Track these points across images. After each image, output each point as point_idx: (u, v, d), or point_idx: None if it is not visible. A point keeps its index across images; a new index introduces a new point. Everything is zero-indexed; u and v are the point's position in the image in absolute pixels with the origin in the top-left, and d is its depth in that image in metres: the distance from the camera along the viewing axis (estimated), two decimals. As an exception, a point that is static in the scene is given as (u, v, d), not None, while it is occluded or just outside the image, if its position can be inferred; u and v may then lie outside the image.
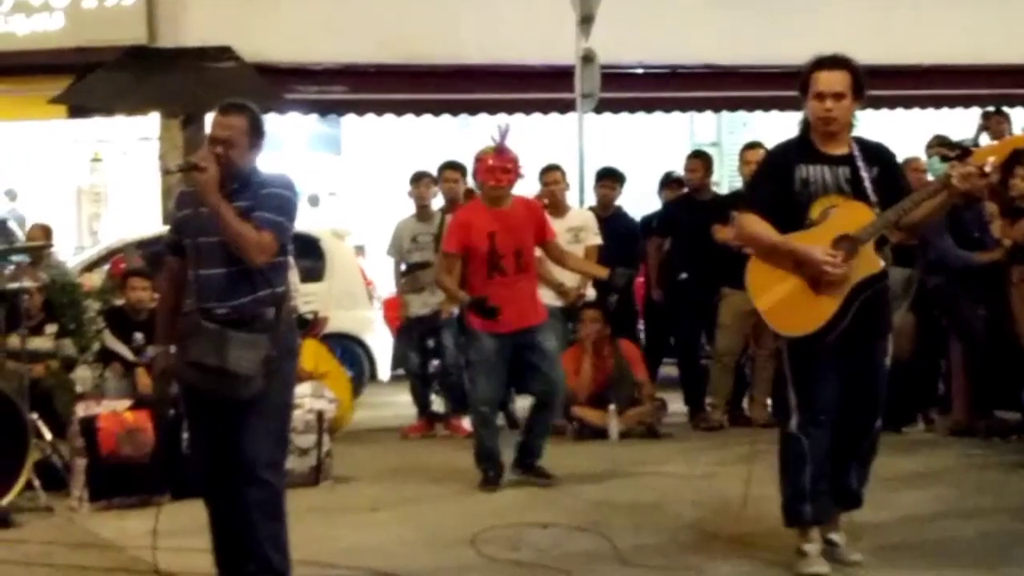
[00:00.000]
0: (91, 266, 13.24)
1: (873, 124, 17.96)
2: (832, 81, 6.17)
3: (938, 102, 17.57)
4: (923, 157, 11.18)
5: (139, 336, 10.02)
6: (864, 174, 6.13)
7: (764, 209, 6.14)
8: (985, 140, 12.34)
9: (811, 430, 6.10)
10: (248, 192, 5.66)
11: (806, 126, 6.31)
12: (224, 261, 5.61)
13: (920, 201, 6.11)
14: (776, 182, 6.19)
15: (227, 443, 5.68)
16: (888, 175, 6.25)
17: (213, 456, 5.75)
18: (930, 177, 10.79)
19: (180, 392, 6.04)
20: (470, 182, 11.70)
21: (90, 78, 15.46)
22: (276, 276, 5.71)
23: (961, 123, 15.27)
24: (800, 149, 6.26)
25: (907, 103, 17.69)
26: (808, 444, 6.10)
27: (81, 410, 8.50)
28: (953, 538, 6.73)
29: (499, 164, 8.60)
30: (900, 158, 11.21)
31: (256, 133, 5.72)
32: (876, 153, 6.30)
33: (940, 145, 10.34)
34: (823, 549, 6.25)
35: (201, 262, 5.69)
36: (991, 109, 13.16)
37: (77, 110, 15.87)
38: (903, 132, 14.25)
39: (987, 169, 6.06)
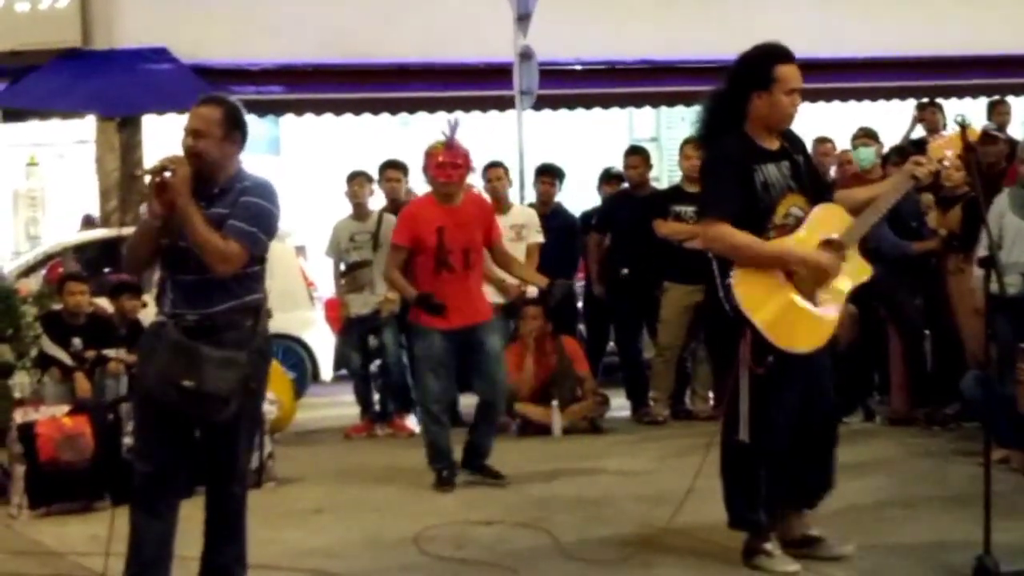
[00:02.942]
0: (28, 271, 13.12)
1: (808, 117, 18.14)
2: (798, 75, 6.01)
3: (873, 94, 17.70)
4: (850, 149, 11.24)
5: (77, 341, 9.95)
6: (802, 168, 6.03)
7: (735, 216, 5.83)
8: (919, 132, 12.44)
9: (765, 437, 5.97)
10: (228, 198, 5.53)
11: (736, 123, 6.04)
12: (199, 267, 5.46)
13: (895, 200, 6.04)
14: (739, 186, 5.88)
15: (200, 450, 5.61)
16: (809, 164, 6.18)
17: (168, 463, 5.62)
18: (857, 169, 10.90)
19: (134, 400, 5.93)
20: (412, 180, 11.76)
21: (24, 81, 15.34)
22: (253, 285, 5.59)
23: (896, 115, 15.37)
24: (748, 148, 5.98)
25: (843, 95, 17.82)
26: (758, 451, 5.99)
27: (19, 416, 8.40)
28: (893, 527, 6.78)
29: (449, 160, 8.55)
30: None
31: (231, 125, 5.56)
32: (796, 142, 6.18)
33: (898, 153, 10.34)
34: (808, 547, 6.20)
35: (176, 266, 5.56)
36: (925, 101, 13.26)
37: (12, 114, 15.72)
38: (833, 124, 14.32)
39: (946, 164, 6.08)
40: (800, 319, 5.86)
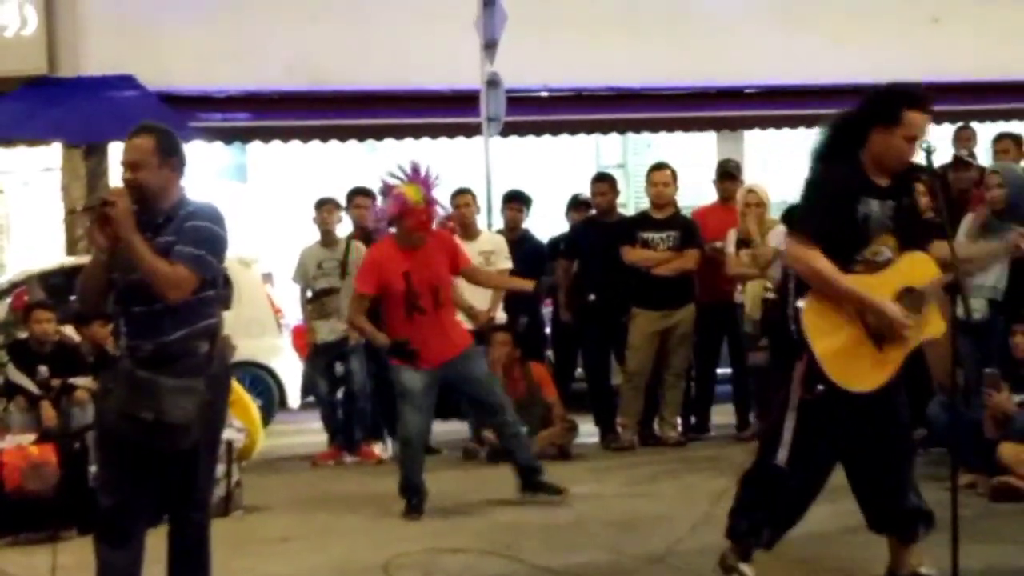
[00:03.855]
0: (-7, 299, 13.04)
1: (774, 143, 18.26)
2: (926, 124, 5.86)
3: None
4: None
5: (43, 369, 9.89)
6: (904, 210, 5.88)
7: (824, 238, 5.68)
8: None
9: (800, 466, 5.90)
10: (173, 225, 5.50)
11: (853, 151, 5.88)
12: (150, 298, 5.43)
13: (989, 267, 5.99)
14: (841, 214, 5.75)
15: (160, 480, 5.57)
16: (914, 208, 6.01)
17: (132, 495, 5.59)
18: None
19: (96, 434, 5.90)
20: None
21: (-10, 108, 15.26)
22: (205, 310, 5.56)
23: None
24: (858, 179, 5.83)
25: (810, 122, 17.87)
26: (793, 479, 5.92)
27: (-16, 445, 8.36)
28: (862, 553, 6.78)
29: (429, 217, 8.60)
30: (797, 176, 11.45)
31: (166, 152, 5.55)
32: (907, 183, 5.98)
33: None
34: None
35: (128, 299, 5.54)
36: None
37: (-23, 141, 15.65)
38: (801, 150, 14.38)
39: None
40: (860, 358, 5.77)
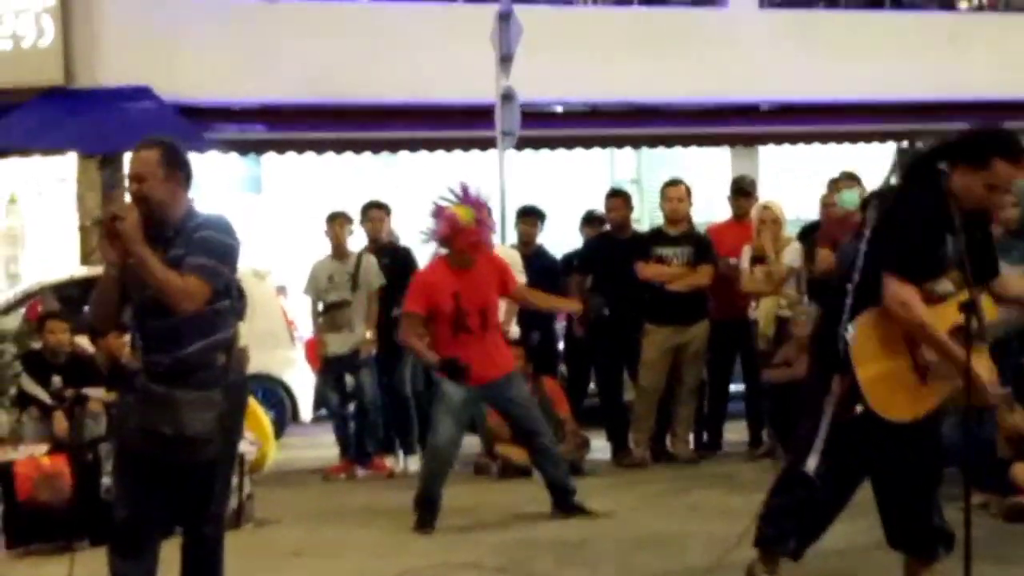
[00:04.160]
0: (7, 309, 13.06)
1: (788, 159, 18.26)
2: (1014, 177, 5.79)
3: (853, 138, 17.80)
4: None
5: (57, 380, 9.89)
6: (975, 246, 5.81)
7: (918, 276, 5.66)
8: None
9: (829, 478, 5.94)
10: (182, 238, 5.51)
11: (938, 181, 5.80)
12: (166, 311, 5.44)
13: None
14: (936, 251, 5.71)
15: (177, 491, 5.58)
16: (985, 243, 5.96)
17: (147, 508, 5.60)
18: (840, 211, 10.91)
19: (113, 448, 5.91)
20: (395, 221, 11.81)
21: (6, 119, 15.31)
22: (220, 322, 5.57)
23: (876, 158, 15.45)
24: (946, 214, 5.73)
25: (823, 138, 17.92)
26: (821, 489, 5.95)
27: (-2, 455, 8.37)
28: (885, 569, 6.76)
29: (481, 239, 8.74)
30: (811, 193, 11.43)
31: (171, 164, 5.56)
32: (982, 218, 5.92)
33: None
34: None
35: (145, 314, 5.55)
36: (905, 144, 13.32)
37: (-7, 151, 15.70)
38: (813, 167, 14.42)
39: None
40: (902, 389, 5.79)
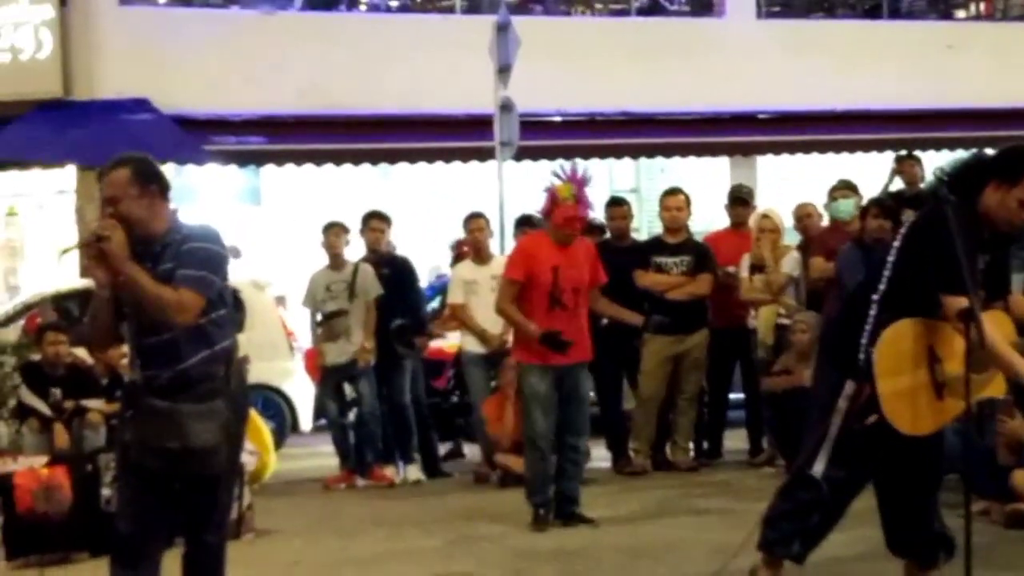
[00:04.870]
0: (7, 321, 13.07)
1: (786, 168, 18.27)
2: None
3: (851, 147, 17.81)
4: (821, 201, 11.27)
5: (56, 391, 9.92)
6: (994, 266, 5.84)
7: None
8: (898, 184, 12.49)
9: (834, 483, 5.94)
10: (170, 252, 5.44)
11: (972, 197, 5.74)
12: (161, 327, 5.39)
13: None
14: (973, 267, 5.62)
15: (181, 503, 5.55)
16: (1003, 263, 5.97)
17: (151, 521, 5.56)
18: (825, 220, 10.93)
19: (117, 463, 5.87)
20: (395, 232, 11.82)
21: (5, 132, 15.34)
22: (218, 332, 5.52)
23: (874, 168, 15.46)
24: (978, 232, 5.73)
25: (820, 148, 17.93)
26: (828, 494, 5.95)
27: (-3, 467, 8.37)
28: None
29: (578, 215, 8.86)
30: (811, 202, 11.46)
31: (143, 180, 5.46)
32: (1002, 236, 5.87)
33: None
34: None
35: (142, 330, 5.49)
36: (904, 153, 13.33)
37: (-8, 164, 15.72)
38: (811, 176, 14.44)
39: None
40: (919, 404, 5.79)
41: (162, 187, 5.56)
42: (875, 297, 5.83)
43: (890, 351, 5.74)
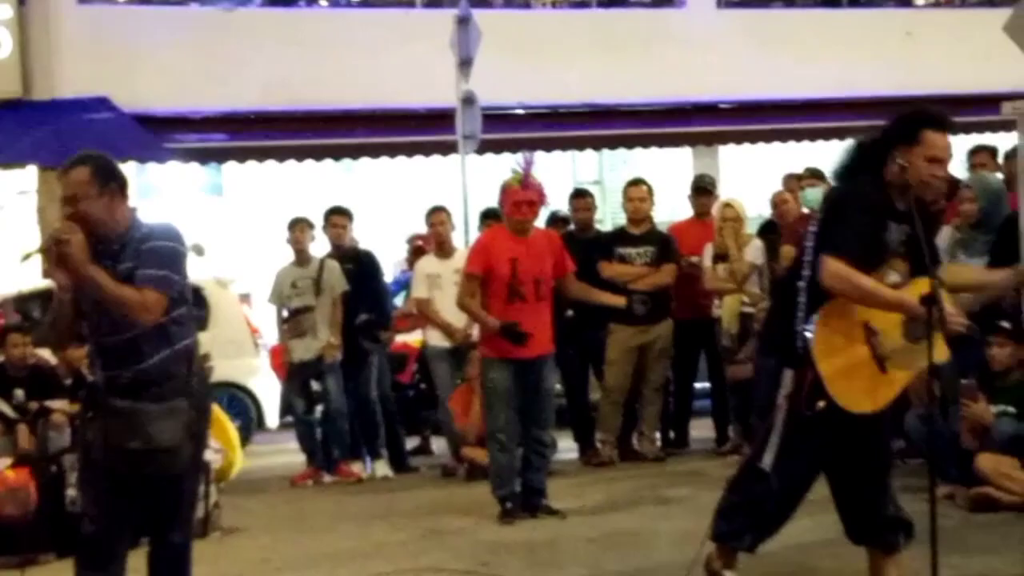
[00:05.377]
0: (-32, 323, 12.97)
1: (749, 158, 18.31)
2: (946, 146, 5.84)
3: (813, 135, 17.85)
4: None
5: (19, 393, 9.84)
6: (919, 236, 5.78)
7: (859, 259, 5.62)
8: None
9: (785, 475, 5.90)
10: (129, 251, 5.41)
11: (876, 171, 5.83)
12: (122, 326, 5.36)
13: (998, 295, 5.96)
14: (876, 232, 5.73)
15: (145, 502, 5.52)
16: (928, 235, 5.92)
17: (115, 521, 5.53)
18: (805, 210, 10.95)
19: (80, 463, 5.85)
20: (356, 227, 11.77)
21: (-36, 133, 15.23)
22: (179, 331, 5.49)
23: (835, 155, 15.50)
24: (883, 200, 5.80)
25: (783, 136, 17.98)
26: (776, 484, 5.92)
27: (-40, 469, 8.31)
28: (845, 565, 6.79)
29: (525, 198, 8.78)
30: (772, 190, 11.50)
31: (103, 179, 5.44)
32: (924, 211, 5.92)
33: None
34: None
35: (101, 330, 5.46)
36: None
37: (-48, 165, 15.61)
38: (776, 165, 14.47)
39: None
40: (864, 379, 5.78)
41: (121, 185, 5.53)
42: (801, 284, 5.85)
43: (825, 332, 5.73)
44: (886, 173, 5.84)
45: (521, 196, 8.78)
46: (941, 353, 5.91)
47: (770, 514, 6.08)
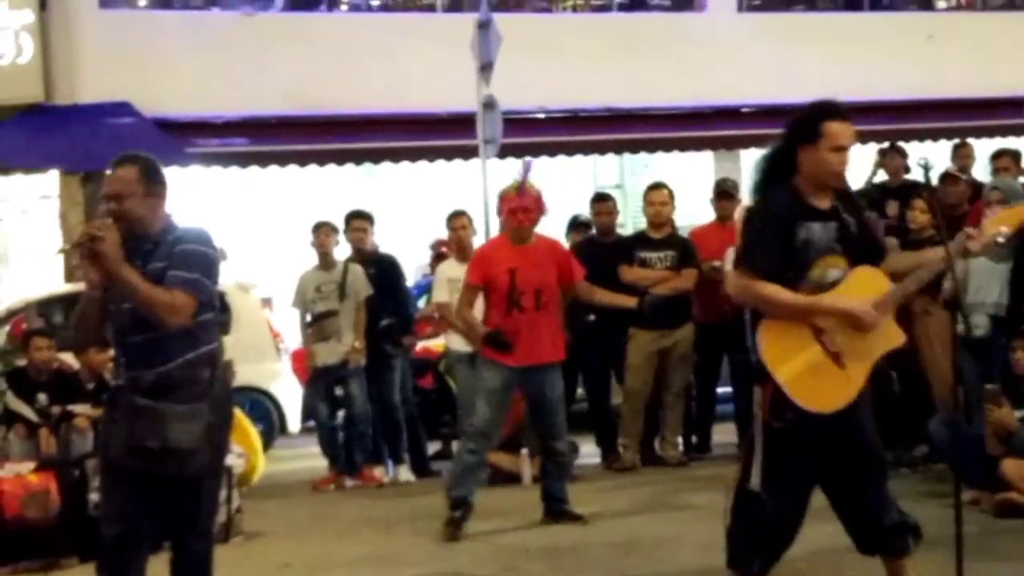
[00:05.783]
0: (-9, 326, 13.02)
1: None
2: (848, 133, 5.84)
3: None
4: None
5: (43, 397, 9.86)
6: (853, 230, 5.83)
7: (769, 271, 5.65)
8: (882, 176, 12.49)
9: (777, 490, 5.79)
10: (161, 251, 5.46)
11: (787, 179, 5.84)
12: (147, 326, 5.40)
13: (940, 270, 5.94)
14: (780, 241, 5.72)
15: (164, 505, 5.53)
16: (863, 227, 5.97)
17: (136, 523, 5.55)
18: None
19: (100, 464, 5.86)
20: (378, 231, 11.79)
21: (-14, 137, 15.29)
22: (204, 335, 5.52)
23: (858, 159, 15.47)
24: (794, 203, 5.79)
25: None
26: (771, 505, 5.81)
27: (-16, 473, 8.33)
28: (864, 571, 6.76)
29: (520, 205, 8.72)
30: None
31: (150, 180, 5.52)
32: (855, 205, 6.00)
33: None
34: None
35: (126, 329, 5.49)
36: (887, 145, 13.32)
37: (-25, 170, 15.67)
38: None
39: (1000, 240, 5.97)
40: (823, 379, 5.72)
41: (164, 188, 5.62)
42: None
43: (772, 339, 5.70)
44: (798, 177, 5.82)
45: (517, 203, 8.70)
46: (897, 338, 5.88)
47: (771, 535, 6.00)
